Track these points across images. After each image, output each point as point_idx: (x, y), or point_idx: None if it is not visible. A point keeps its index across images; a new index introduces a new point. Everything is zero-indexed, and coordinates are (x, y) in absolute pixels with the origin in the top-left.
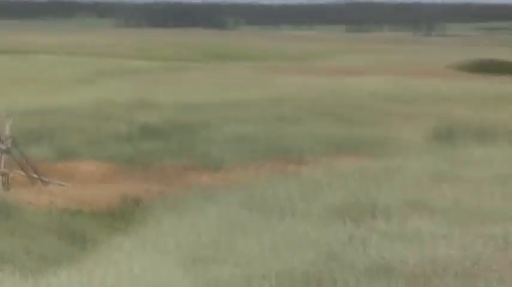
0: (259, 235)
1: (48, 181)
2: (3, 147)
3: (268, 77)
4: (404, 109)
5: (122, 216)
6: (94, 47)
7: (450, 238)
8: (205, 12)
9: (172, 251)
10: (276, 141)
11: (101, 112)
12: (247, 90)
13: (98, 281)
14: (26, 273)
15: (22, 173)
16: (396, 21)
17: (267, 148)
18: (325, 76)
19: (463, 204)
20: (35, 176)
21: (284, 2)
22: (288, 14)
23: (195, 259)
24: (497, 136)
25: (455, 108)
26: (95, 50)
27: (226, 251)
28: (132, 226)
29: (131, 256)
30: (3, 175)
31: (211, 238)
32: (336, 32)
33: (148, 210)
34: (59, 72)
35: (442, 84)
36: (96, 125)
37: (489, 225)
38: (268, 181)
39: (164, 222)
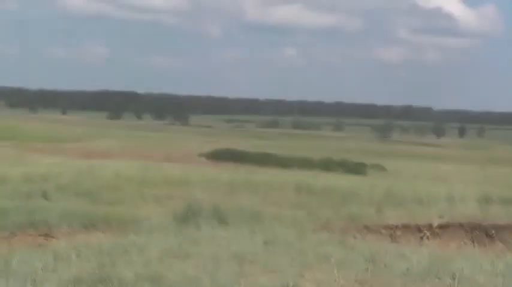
0: None
1: None
2: None
3: (26, 156)
4: (152, 191)
5: None
6: None
7: None
8: None
9: None
10: (27, 216)
11: None
12: (5, 167)
13: None
14: None
15: None
16: (154, 111)
17: (18, 222)
18: (81, 157)
19: (199, 280)
20: None
21: (48, 88)
22: (51, 99)
23: None
24: (234, 218)
25: (199, 192)
26: None
27: None
28: None
29: None
30: None
31: None
32: (96, 118)
33: None
34: None
35: (189, 169)
36: None
37: None
38: (18, 252)
39: None
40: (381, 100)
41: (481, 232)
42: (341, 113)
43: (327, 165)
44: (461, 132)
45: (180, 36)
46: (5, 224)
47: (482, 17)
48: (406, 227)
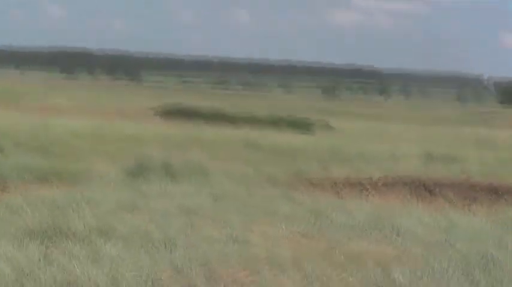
0: None
1: None
2: None
3: None
4: (104, 147)
5: None
6: None
7: (135, 262)
8: None
9: None
10: None
11: None
12: None
13: None
14: None
15: None
16: (107, 69)
17: None
18: (35, 113)
19: (149, 232)
20: None
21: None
22: (6, 57)
23: None
24: (184, 173)
25: (150, 148)
26: None
27: None
28: None
29: None
30: None
31: None
32: (49, 75)
33: None
34: None
35: (140, 125)
36: None
37: (173, 251)
38: None
39: None
40: (329, 61)
41: (423, 189)
42: (289, 73)
43: (275, 123)
44: (406, 93)
45: None
46: None
47: None
48: (350, 183)
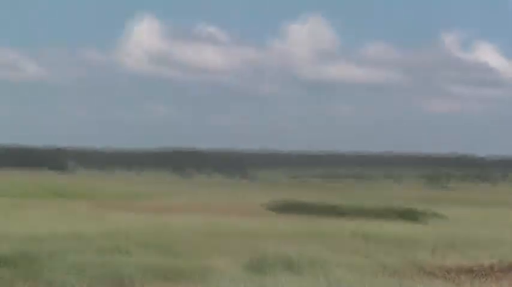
0: None
1: None
2: None
3: (103, 213)
4: (221, 243)
5: None
6: None
7: None
8: (47, 155)
9: None
10: (110, 269)
11: None
12: (84, 224)
13: None
14: None
15: None
16: (217, 167)
17: (102, 275)
18: (153, 213)
19: None
20: None
21: (117, 148)
22: (120, 159)
23: None
24: (301, 267)
25: (265, 242)
26: None
27: None
28: None
29: None
30: None
31: None
32: (163, 175)
33: None
34: None
35: (254, 221)
36: None
37: None
38: None
39: None
40: (428, 149)
41: None
42: (393, 163)
43: (383, 214)
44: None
45: (236, 95)
46: (90, 278)
47: None
48: (463, 270)
